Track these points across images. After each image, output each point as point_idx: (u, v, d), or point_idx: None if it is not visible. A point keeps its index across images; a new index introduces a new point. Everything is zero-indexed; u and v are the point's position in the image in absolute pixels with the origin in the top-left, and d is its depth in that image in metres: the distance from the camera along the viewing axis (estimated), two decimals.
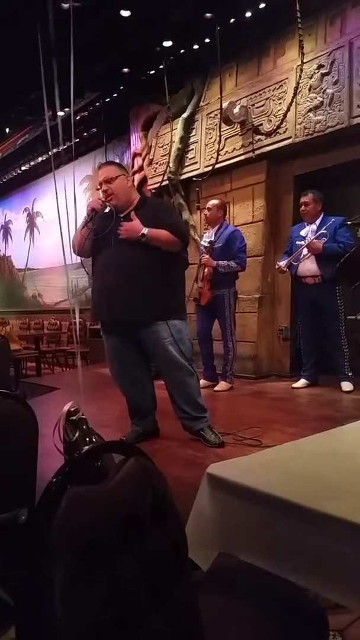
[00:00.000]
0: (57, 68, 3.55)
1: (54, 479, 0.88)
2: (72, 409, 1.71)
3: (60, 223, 2.67)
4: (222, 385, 4.77)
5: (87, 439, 1.61)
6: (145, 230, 2.88)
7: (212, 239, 4.69)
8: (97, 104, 7.24)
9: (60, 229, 2.71)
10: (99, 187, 3.05)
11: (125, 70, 6.10)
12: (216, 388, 4.73)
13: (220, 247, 4.66)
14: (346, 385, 4.42)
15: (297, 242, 4.58)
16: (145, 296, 2.94)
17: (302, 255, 4.51)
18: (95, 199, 3.00)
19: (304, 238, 4.54)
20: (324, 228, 4.41)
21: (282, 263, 4.66)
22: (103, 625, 0.81)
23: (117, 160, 8.33)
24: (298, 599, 1.28)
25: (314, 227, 4.53)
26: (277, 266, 4.79)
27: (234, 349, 4.80)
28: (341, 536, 1.09)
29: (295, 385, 4.75)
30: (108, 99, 7.03)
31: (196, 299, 4.69)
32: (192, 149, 6.19)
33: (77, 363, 2.92)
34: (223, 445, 2.97)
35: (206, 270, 4.62)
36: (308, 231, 4.56)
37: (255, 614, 1.20)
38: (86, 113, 7.51)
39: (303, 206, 4.57)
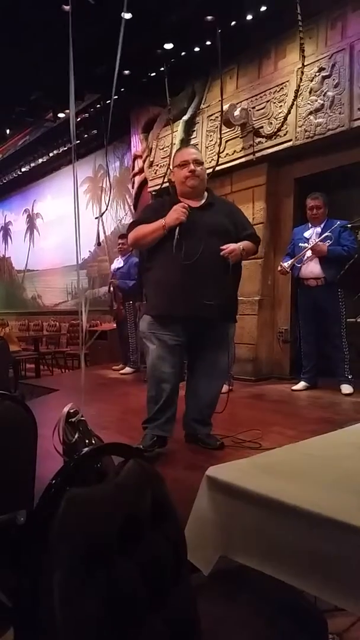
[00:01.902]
0: (58, 69, 3.56)
1: (53, 481, 0.88)
2: (72, 411, 1.71)
3: (75, 222, 2.57)
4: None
5: (87, 441, 1.61)
6: (241, 246, 2.88)
7: None
8: (98, 105, 7.25)
9: (76, 230, 2.65)
10: (182, 164, 2.89)
11: (126, 72, 6.10)
12: None
13: None
14: (346, 388, 4.41)
15: (300, 244, 4.57)
16: (230, 293, 2.94)
17: (305, 257, 4.50)
18: (181, 211, 2.78)
19: (307, 240, 4.54)
20: (328, 231, 4.41)
21: (286, 264, 4.65)
22: (102, 627, 0.81)
23: (117, 163, 8.36)
24: (297, 602, 1.27)
25: (318, 229, 4.52)
26: (279, 267, 4.78)
27: (232, 351, 4.80)
28: (340, 539, 1.08)
29: (295, 387, 4.74)
30: (109, 101, 7.03)
31: None
32: None
33: (81, 364, 2.83)
34: (222, 447, 2.97)
35: None
36: (312, 233, 4.55)
37: (254, 617, 1.20)
38: (87, 115, 7.52)
39: (315, 210, 4.54)
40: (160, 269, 2.90)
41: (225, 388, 4.73)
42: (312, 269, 4.47)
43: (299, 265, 4.55)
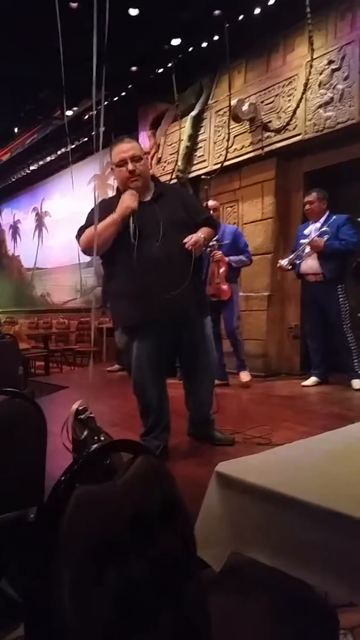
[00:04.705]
0: (67, 67, 3.55)
1: (63, 478, 0.88)
2: (81, 408, 1.71)
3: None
4: (244, 375, 4.81)
5: (96, 438, 1.61)
6: (202, 235, 2.71)
7: (217, 236, 4.70)
8: (106, 102, 7.24)
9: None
10: (120, 164, 2.69)
11: (134, 68, 6.09)
12: (242, 380, 4.79)
13: (228, 244, 4.68)
14: (357, 383, 4.39)
15: (301, 241, 4.59)
16: (199, 289, 2.85)
17: (304, 253, 4.51)
18: (130, 198, 2.64)
19: (307, 236, 4.54)
20: (326, 225, 4.40)
21: (284, 261, 4.66)
22: (111, 624, 0.81)
23: None
24: (308, 597, 1.27)
25: (317, 225, 4.53)
26: (278, 264, 4.79)
27: (242, 340, 4.85)
28: (351, 534, 1.07)
29: (305, 383, 4.73)
30: (116, 98, 7.03)
31: (214, 296, 4.57)
32: (201, 147, 6.18)
33: (90, 362, 2.82)
34: (233, 443, 2.96)
35: (222, 266, 4.60)
36: (312, 229, 4.56)
37: (265, 613, 1.19)
38: (94, 112, 7.52)
39: (307, 205, 4.58)
40: (123, 275, 2.70)
41: (247, 376, 4.79)
42: (311, 264, 4.49)
43: (299, 262, 4.55)
